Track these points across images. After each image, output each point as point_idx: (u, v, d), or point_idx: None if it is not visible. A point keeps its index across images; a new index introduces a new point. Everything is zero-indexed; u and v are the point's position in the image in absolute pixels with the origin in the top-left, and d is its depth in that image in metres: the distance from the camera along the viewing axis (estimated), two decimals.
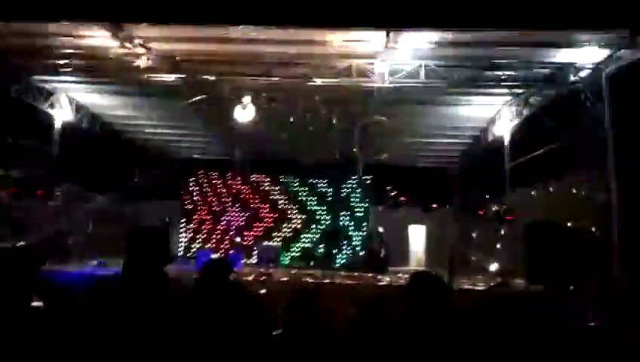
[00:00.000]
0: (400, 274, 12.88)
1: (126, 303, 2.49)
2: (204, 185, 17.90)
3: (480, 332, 2.75)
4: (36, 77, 12.96)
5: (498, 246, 13.11)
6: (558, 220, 10.54)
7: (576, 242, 10.07)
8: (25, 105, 13.49)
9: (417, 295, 2.70)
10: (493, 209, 9.29)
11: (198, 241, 17.10)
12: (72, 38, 10.61)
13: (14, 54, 11.39)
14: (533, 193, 12.67)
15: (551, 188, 12.00)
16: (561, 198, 11.46)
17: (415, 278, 2.84)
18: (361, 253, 15.92)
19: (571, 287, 8.88)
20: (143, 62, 10.99)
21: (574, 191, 10.96)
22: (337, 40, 10.27)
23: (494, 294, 9.44)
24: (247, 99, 11.68)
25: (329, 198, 17.34)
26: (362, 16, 9.56)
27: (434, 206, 7.73)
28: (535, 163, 13.07)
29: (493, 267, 10.30)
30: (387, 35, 9.83)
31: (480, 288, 9.85)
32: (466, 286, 9.76)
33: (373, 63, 11.09)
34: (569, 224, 10.45)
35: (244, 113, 11.75)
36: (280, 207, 17.18)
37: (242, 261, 14.82)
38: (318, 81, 11.28)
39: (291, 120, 13.56)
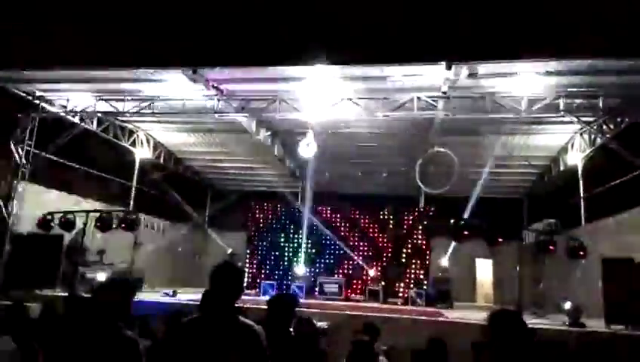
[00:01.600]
0: (468, 311, 12.47)
1: (204, 336, 2.72)
2: (270, 217, 18.39)
3: None
4: (119, 117, 14.17)
5: (572, 282, 12.39)
6: (637, 255, 9.83)
7: None
8: (108, 142, 14.80)
9: (503, 337, 2.55)
10: (566, 244, 8.83)
11: (262, 272, 17.48)
12: (149, 83, 11.62)
13: (99, 99, 12.60)
14: (609, 225, 11.91)
15: (628, 220, 11.24)
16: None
17: (498, 318, 2.66)
18: (424, 287, 15.54)
19: None
20: (215, 103, 11.78)
21: None
22: (398, 75, 10.48)
23: (573, 335, 8.91)
24: (310, 135, 12.07)
25: (392, 230, 17.20)
26: (423, 50, 9.78)
27: (500, 240, 7.51)
28: (611, 193, 12.34)
29: (567, 305, 9.71)
30: (448, 67, 9.89)
31: (555, 328, 9.32)
32: (537, 326, 9.27)
33: (435, 96, 11.13)
34: None
35: (308, 148, 12.13)
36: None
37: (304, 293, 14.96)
38: (380, 115, 11.46)
39: (353, 155, 13.76)
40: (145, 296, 12.44)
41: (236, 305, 2.91)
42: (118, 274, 12.94)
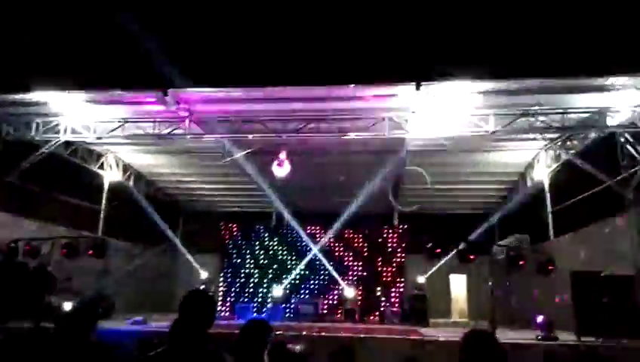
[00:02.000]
0: (444, 328, 12.52)
1: None
2: (244, 238, 18.18)
3: None
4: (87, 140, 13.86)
5: (543, 295, 12.62)
6: (604, 267, 10.13)
7: (630, 290, 9.62)
8: (76, 166, 14.41)
9: (476, 359, 2.56)
10: (535, 258, 9.02)
11: (237, 294, 17.17)
12: (121, 105, 11.45)
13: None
14: (576, 238, 12.24)
15: (594, 234, 11.59)
16: (607, 243, 11.03)
17: (471, 339, 2.67)
18: (396, 305, 15.57)
19: (625, 341, 8.41)
20: (185, 124, 11.67)
21: (620, 235, 10.56)
22: (369, 95, 10.64)
23: (546, 349, 9.03)
24: (283, 155, 12.06)
25: (365, 249, 17.24)
26: (392, 71, 9.97)
27: (472, 257, 7.62)
28: (578, 208, 12.71)
29: (539, 319, 9.87)
30: (417, 87, 10.10)
31: (528, 342, 9.44)
32: (512, 341, 9.38)
33: (406, 115, 11.32)
34: (616, 271, 10.02)
35: (281, 168, 12.10)
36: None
37: (281, 314, 14.79)
38: (352, 135, 11.57)
39: (325, 171, 13.80)
40: (114, 324, 12.05)
41: (209, 331, 2.84)
42: (86, 302, 12.52)
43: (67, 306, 11.30)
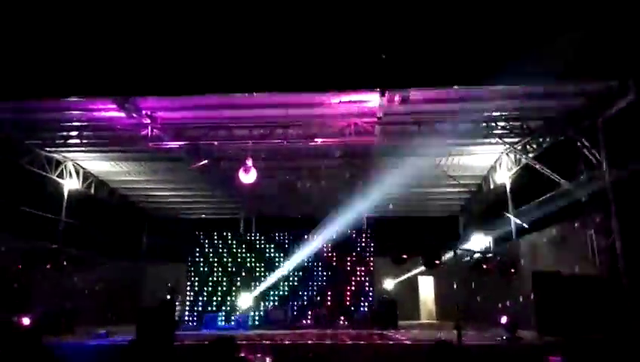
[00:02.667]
0: (413, 330, 12.67)
1: None
2: (211, 245, 17.90)
3: None
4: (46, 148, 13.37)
5: (507, 296, 12.95)
6: (565, 267, 10.47)
7: (588, 290, 9.96)
8: (34, 174, 13.85)
9: None
10: (498, 261, 9.25)
11: (204, 302, 16.87)
12: (80, 112, 11.10)
13: (24, 129, 11.85)
14: (538, 240, 12.61)
15: (555, 235, 11.98)
16: (566, 245, 11.42)
17: (437, 351, 2.79)
18: (365, 309, 15.64)
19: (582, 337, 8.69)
20: (149, 131, 11.42)
21: (578, 236, 10.95)
22: (335, 101, 10.69)
23: (509, 348, 9.25)
24: (249, 162, 11.95)
25: (333, 254, 17.28)
26: (357, 78, 10.05)
27: (437, 262, 7.73)
28: (538, 209, 13.11)
29: (504, 319, 10.10)
30: (382, 94, 10.22)
31: (491, 343, 9.64)
32: (476, 342, 9.56)
33: (372, 121, 11.42)
34: (575, 271, 10.38)
35: (247, 175, 11.99)
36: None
37: (249, 324, 14.63)
38: (319, 141, 11.59)
39: (292, 178, 13.78)
40: (77, 337, 11.63)
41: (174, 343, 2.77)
42: (47, 316, 12.03)
43: (25, 321, 10.86)
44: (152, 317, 2.67)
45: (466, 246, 13.85)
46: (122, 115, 10.99)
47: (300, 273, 16.84)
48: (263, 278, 16.42)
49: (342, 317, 15.61)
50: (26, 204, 14.03)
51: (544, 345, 9.11)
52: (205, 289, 16.88)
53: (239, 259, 16.71)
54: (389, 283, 16.31)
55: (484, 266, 9.17)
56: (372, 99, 10.59)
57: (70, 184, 15.12)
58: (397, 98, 10.44)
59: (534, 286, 10.25)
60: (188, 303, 17.42)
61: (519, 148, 12.90)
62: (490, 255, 10.31)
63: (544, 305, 9.95)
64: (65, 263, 10.77)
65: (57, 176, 14.68)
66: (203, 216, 19.90)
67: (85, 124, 11.62)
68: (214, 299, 16.48)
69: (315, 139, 11.59)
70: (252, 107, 10.93)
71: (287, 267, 16.65)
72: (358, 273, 16.65)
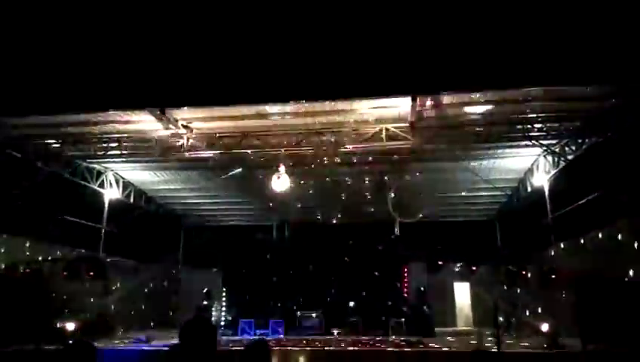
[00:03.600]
0: (449, 338, 12.46)
1: None
2: (246, 252, 18.11)
3: None
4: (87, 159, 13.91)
5: (548, 303, 12.56)
6: (609, 273, 10.08)
7: (634, 296, 9.56)
8: (76, 185, 14.42)
9: None
10: (537, 269, 8.99)
11: (239, 308, 17.06)
12: (119, 124, 11.52)
13: (66, 142, 12.38)
14: (579, 245, 12.20)
15: (598, 239, 11.55)
16: (610, 249, 10.99)
17: (476, 360, 2.76)
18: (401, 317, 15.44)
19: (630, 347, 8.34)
20: (184, 141, 11.72)
21: (622, 240, 10.53)
22: (365, 107, 10.70)
23: (550, 357, 8.98)
24: (282, 169, 12.09)
25: (367, 260, 17.19)
26: (389, 84, 10.02)
27: (473, 268, 7.60)
28: (578, 213, 12.69)
29: (544, 327, 9.81)
30: (414, 99, 10.15)
31: (533, 351, 9.38)
32: (517, 350, 9.33)
33: (404, 126, 11.36)
34: (620, 276, 9.97)
35: (280, 182, 12.12)
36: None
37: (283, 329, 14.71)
38: (350, 147, 11.60)
39: (324, 184, 13.82)
40: (117, 343, 12.00)
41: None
42: (89, 321, 12.47)
43: (70, 326, 11.29)
44: (195, 323, 2.75)
45: (504, 251, 13.54)
46: (159, 126, 11.34)
47: (334, 279, 16.81)
48: (296, 284, 16.48)
49: (376, 324, 15.47)
50: (68, 213, 14.62)
51: (587, 354, 8.79)
52: (240, 294, 17.09)
53: (273, 265, 16.84)
54: (424, 290, 16.06)
55: (523, 272, 8.92)
56: (403, 104, 10.53)
57: (110, 193, 15.66)
58: (429, 102, 10.36)
59: (577, 292, 9.91)
60: (223, 309, 17.69)
61: (557, 150, 12.54)
62: (529, 260, 10.03)
63: (587, 312, 9.60)
64: (106, 270, 11.16)
65: (98, 186, 15.24)
66: (238, 222, 20.19)
67: (124, 135, 12.03)
68: (249, 304, 16.65)
69: (347, 146, 11.61)
70: (284, 115, 11.05)
71: (320, 273, 16.68)
72: (393, 279, 16.50)
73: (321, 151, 12.09)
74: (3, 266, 10.09)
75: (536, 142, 11.79)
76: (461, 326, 18.19)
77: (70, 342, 3.25)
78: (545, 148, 12.37)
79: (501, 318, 8.38)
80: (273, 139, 11.87)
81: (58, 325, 11.27)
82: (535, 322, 11.08)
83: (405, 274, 16.43)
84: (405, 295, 16.21)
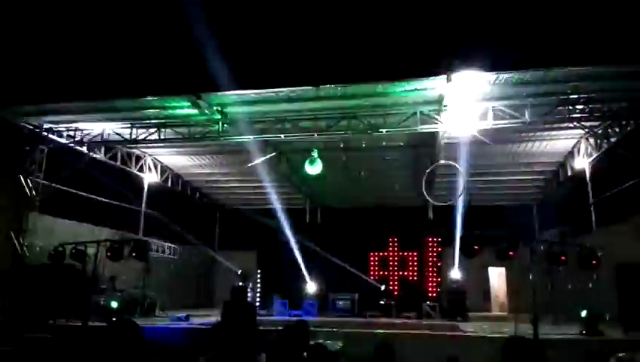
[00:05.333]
0: (484, 323, 12.36)
1: None
2: (279, 234, 18.39)
3: None
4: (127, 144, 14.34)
5: (587, 289, 12.24)
6: None
7: None
8: (116, 169, 14.93)
9: None
10: (577, 252, 8.74)
11: (273, 289, 17.39)
12: (157, 110, 11.80)
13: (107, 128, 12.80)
14: (621, 230, 11.77)
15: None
16: None
17: (512, 345, 2.69)
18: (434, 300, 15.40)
19: None
20: (219, 126, 11.91)
21: None
22: (399, 90, 10.55)
23: (589, 343, 8.79)
24: (315, 153, 12.13)
25: (400, 244, 17.15)
26: (422, 65, 9.85)
27: (511, 253, 7.47)
28: (621, 197, 12.23)
29: (583, 313, 9.58)
30: (448, 80, 9.93)
31: (570, 337, 9.20)
32: (555, 336, 9.16)
33: (437, 108, 11.17)
34: None
35: (313, 166, 12.19)
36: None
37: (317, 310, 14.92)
38: (384, 131, 11.51)
39: (361, 172, 13.79)
40: (158, 321, 12.49)
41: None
42: (130, 299, 13.03)
43: (113, 304, 11.83)
44: (235, 303, 2.88)
45: (542, 236, 13.22)
46: (195, 111, 11.55)
47: (368, 262, 16.91)
48: (329, 266, 16.65)
49: (410, 308, 15.48)
50: (109, 197, 15.19)
51: (628, 341, 8.56)
52: (274, 276, 17.42)
53: (305, 248, 17.05)
54: (458, 274, 15.93)
55: (562, 258, 8.70)
56: (437, 86, 10.33)
57: (149, 178, 16.16)
58: (463, 83, 10.12)
59: (618, 278, 9.62)
60: (258, 290, 18.10)
61: (600, 132, 12.07)
62: (568, 245, 9.76)
63: (629, 299, 9.33)
64: (147, 254, 11.60)
65: (138, 170, 15.73)
66: (271, 206, 20.44)
67: (162, 121, 12.33)
68: (283, 286, 16.96)
69: (380, 130, 11.51)
70: (317, 99, 11.04)
71: (353, 256, 16.77)
72: (427, 263, 16.45)
73: (354, 135, 12.04)
74: (52, 248, 10.60)
75: (578, 124, 11.35)
76: (496, 312, 17.98)
77: (114, 319, 3.42)
78: (587, 130, 11.92)
79: (538, 303, 8.21)
80: (306, 123, 11.89)
81: (102, 303, 11.85)
82: (574, 308, 10.83)
83: (439, 258, 16.34)
84: (439, 279, 16.14)
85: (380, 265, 17.35)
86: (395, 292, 16.13)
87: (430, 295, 16.21)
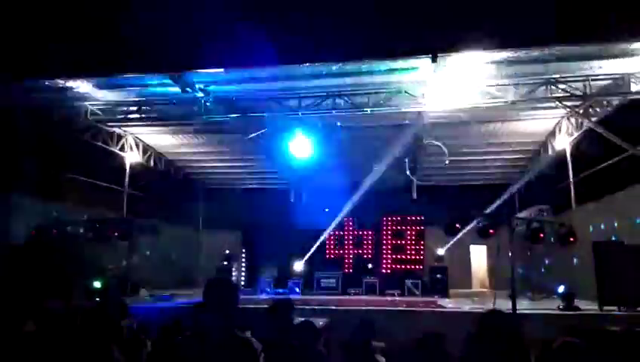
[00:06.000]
0: (465, 299, 12.65)
1: (199, 356, 2.74)
2: (264, 213, 18.41)
3: None
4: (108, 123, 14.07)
5: (565, 266, 12.58)
6: (627, 236, 10.01)
7: None
8: (98, 148, 14.67)
9: (488, 339, 2.63)
10: (556, 230, 8.97)
11: (258, 268, 17.47)
12: (138, 88, 11.57)
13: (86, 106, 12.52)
14: (599, 208, 12.08)
15: (616, 203, 11.41)
16: (629, 213, 10.87)
17: (488, 319, 2.75)
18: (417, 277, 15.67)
19: None
20: (202, 105, 11.75)
21: None
22: (385, 68, 10.50)
23: (566, 317, 9.08)
24: (299, 132, 12.08)
25: (383, 223, 17.31)
26: (408, 44, 9.79)
27: (491, 231, 7.62)
28: (600, 176, 12.50)
29: (561, 289, 9.88)
30: (433, 60, 9.91)
31: (548, 312, 9.49)
32: (532, 311, 9.45)
33: (422, 88, 11.17)
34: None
35: (297, 145, 12.15)
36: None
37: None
38: (368, 110, 11.49)
39: (342, 149, 13.80)
40: (142, 301, 12.50)
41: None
42: (114, 279, 12.98)
43: (97, 284, 11.78)
44: (217, 282, 2.86)
45: (523, 214, 13.48)
46: (177, 89, 11.34)
47: (351, 241, 17.06)
48: (314, 245, 16.78)
49: (393, 286, 15.74)
50: (91, 177, 14.96)
51: (603, 316, 8.87)
52: (259, 255, 17.49)
53: (290, 227, 17.11)
54: (440, 252, 16.22)
55: (541, 235, 8.92)
56: (422, 65, 10.31)
57: (131, 157, 15.94)
58: (448, 63, 10.11)
59: (595, 255, 9.90)
60: (243, 269, 18.17)
61: (581, 111, 12.23)
62: (547, 223, 10.00)
63: (605, 276, 9.62)
64: (130, 233, 11.52)
65: (119, 150, 15.50)
66: (256, 185, 20.41)
67: (143, 99, 12.10)
68: (268, 264, 17.06)
69: (365, 108, 11.49)
70: (301, 78, 10.94)
71: (338, 235, 16.90)
72: (409, 241, 16.67)
73: (338, 114, 12.00)
74: (32, 229, 10.46)
75: (560, 104, 11.48)
76: (477, 288, 18.40)
77: (102, 299, 3.42)
78: (569, 109, 12.07)
79: (517, 280, 8.44)
80: (291, 102, 11.80)
81: (86, 283, 11.80)
82: (551, 284, 11.15)
83: (423, 237, 16.57)
84: (422, 257, 16.40)
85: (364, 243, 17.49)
86: (379, 270, 16.35)
87: (412, 272, 16.45)
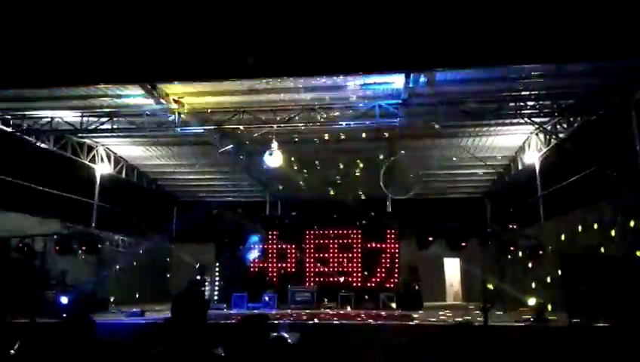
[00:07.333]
0: (438, 312, 12.74)
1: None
2: (238, 227, 18.21)
3: None
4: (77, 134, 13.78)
5: (535, 278, 12.82)
6: (594, 249, 10.28)
7: (619, 272, 9.77)
8: (66, 160, 14.32)
9: (457, 352, 2.73)
10: (525, 243, 9.16)
11: (232, 282, 17.21)
12: (110, 98, 11.39)
13: (56, 116, 12.23)
14: (566, 222, 12.39)
15: (586, 216, 11.73)
16: (597, 226, 11.19)
17: (457, 332, 2.87)
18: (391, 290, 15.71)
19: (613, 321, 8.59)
20: (176, 116, 11.63)
21: (610, 217, 10.70)
22: (357, 84, 10.63)
23: (535, 330, 9.22)
24: (274, 145, 12.07)
25: (358, 236, 17.35)
26: (382, 60, 9.91)
27: (463, 244, 7.76)
28: (567, 191, 12.85)
29: (531, 301, 10.05)
30: (407, 76, 10.10)
31: (519, 324, 9.62)
32: (503, 323, 9.56)
33: (396, 103, 11.33)
34: (604, 252, 10.17)
35: (272, 158, 12.12)
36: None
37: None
38: (343, 123, 11.59)
39: (317, 163, 13.86)
40: (111, 316, 12.14)
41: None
42: (82, 295, 12.57)
43: (63, 300, 11.40)
44: (187, 297, 2.80)
45: (493, 228, 13.72)
46: (150, 101, 11.22)
47: (326, 254, 17.00)
48: (289, 259, 16.67)
49: (367, 298, 15.72)
50: (59, 189, 14.55)
51: (572, 328, 9.04)
52: (233, 269, 17.24)
53: (265, 241, 16.96)
54: (413, 265, 16.30)
55: (512, 248, 9.09)
56: (396, 80, 10.48)
57: (102, 168, 15.60)
58: (422, 79, 10.31)
59: (562, 268, 10.12)
60: (216, 283, 17.88)
61: (549, 128, 12.59)
62: (516, 236, 10.20)
63: (572, 288, 9.82)
64: (97, 247, 11.20)
65: (89, 161, 15.17)
66: (230, 198, 20.23)
67: (115, 110, 11.91)
68: (242, 279, 16.82)
69: (340, 122, 11.58)
70: (277, 91, 10.97)
71: (313, 248, 16.84)
72: (383, 255, 16.71)
73: (313, 128, 12.06)
74: None
75: (528, 120, 11.80)
76: (450, 301, 18.59)
77: (69, 315, 3.31)
78: (537, 125, 12.42)
79: (489, 293, 8.55)
80: (265, 115, 11.81)
81: (52, 299, 11.39)
82: (522, 297, 11.33)
83: (396, 250, 16.65)
84: (396, 270, 16.46)
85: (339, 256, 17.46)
86: (354, 284, 16.32)
87: (387, 286, 16.48)
